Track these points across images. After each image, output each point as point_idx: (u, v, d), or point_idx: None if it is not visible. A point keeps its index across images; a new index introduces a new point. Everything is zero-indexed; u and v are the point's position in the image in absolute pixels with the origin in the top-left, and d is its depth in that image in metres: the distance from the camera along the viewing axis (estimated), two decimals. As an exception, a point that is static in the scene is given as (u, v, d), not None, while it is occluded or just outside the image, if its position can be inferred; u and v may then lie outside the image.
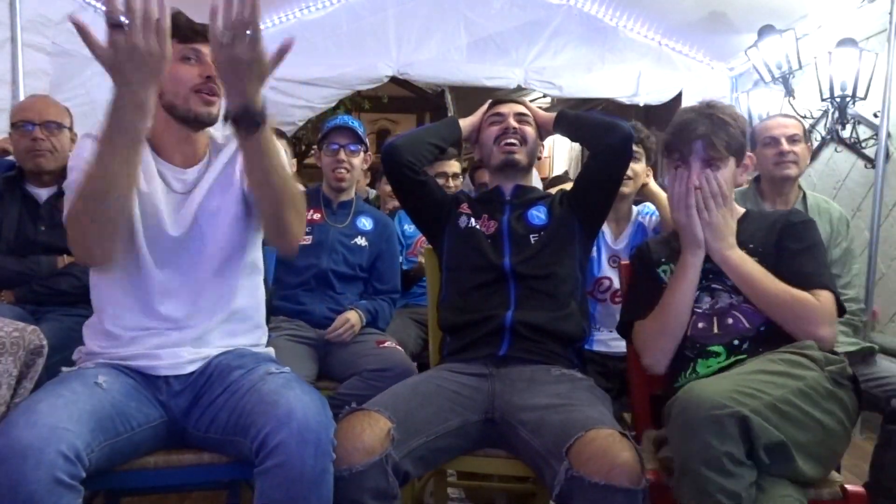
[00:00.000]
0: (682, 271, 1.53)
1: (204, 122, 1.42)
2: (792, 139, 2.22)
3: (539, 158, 2.53)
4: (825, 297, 1.44)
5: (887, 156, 3.07)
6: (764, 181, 2.31)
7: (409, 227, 2.88)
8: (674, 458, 1.22)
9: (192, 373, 1.41)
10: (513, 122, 1.82)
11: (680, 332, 1.52)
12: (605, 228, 2.22)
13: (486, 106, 1.93)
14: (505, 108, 1.87)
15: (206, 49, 1.38)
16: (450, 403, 1.46)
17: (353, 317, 2.19)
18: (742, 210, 1.65)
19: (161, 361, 1.39)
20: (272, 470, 1.18)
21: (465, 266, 1.75)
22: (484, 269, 1.72)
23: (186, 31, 1.39)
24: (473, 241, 1.76)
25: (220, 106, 1.38)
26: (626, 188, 2.19)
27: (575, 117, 1.84)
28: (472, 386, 1.53)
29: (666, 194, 1.96)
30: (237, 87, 1.22)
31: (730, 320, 1.49)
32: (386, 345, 2.12)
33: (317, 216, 2.32)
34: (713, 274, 1.54)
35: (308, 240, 2.25)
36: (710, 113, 1.54)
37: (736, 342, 1.46)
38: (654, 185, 2.28)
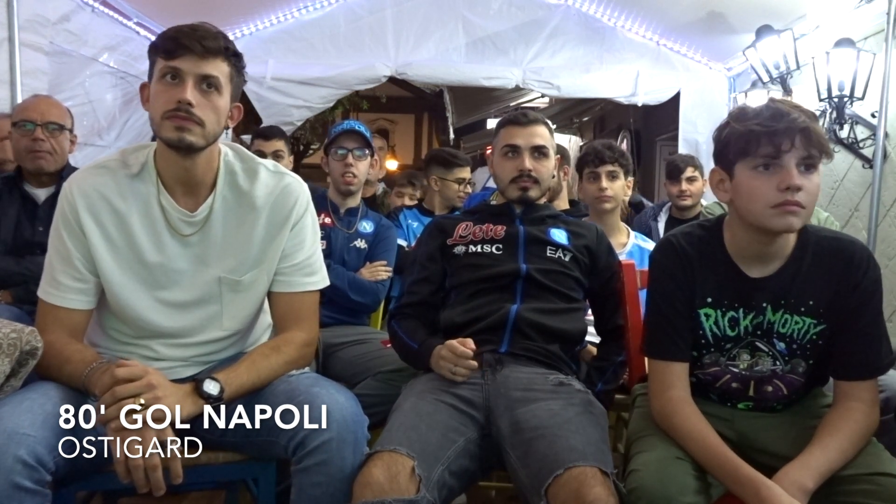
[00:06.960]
0: (727, 482, 1.22)
1: (178, 148, 1.30)
2: None
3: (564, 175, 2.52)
4: (871, 389, 1.29)
5: (885, 156, 3.06)
6: None
7: (417, 224, 2.90)
8: None
9: (190, 377, 1.40)
10: (527, 165, 1.75)
11: None
12: None
13: (495, 134, 1.81)
14: (521, 140, 1.76)
15: (187, 66, 1.27)
16: (452, 421, 1.44)
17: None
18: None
19: (155, 365, 1.38)
20: (312, 468, 1.22)
21: (474, 280, 1.72)
22: (494, 277, 1.70)
23: (170, 44, 1.27)
24: (477, 261, 1.73)
25: (200, 133, 1.29)
26: (608, 204, 2.17)
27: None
28: (467, 398, 1.49)
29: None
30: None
31: (769, 388, 1.37)
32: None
33: (328, 220, 2.33)
34: (761, 331, 1.34)
35: (322, 244, 2.26)
36: (797, 105, 1.26)
37: (769, 403, 1.40)
38: None
